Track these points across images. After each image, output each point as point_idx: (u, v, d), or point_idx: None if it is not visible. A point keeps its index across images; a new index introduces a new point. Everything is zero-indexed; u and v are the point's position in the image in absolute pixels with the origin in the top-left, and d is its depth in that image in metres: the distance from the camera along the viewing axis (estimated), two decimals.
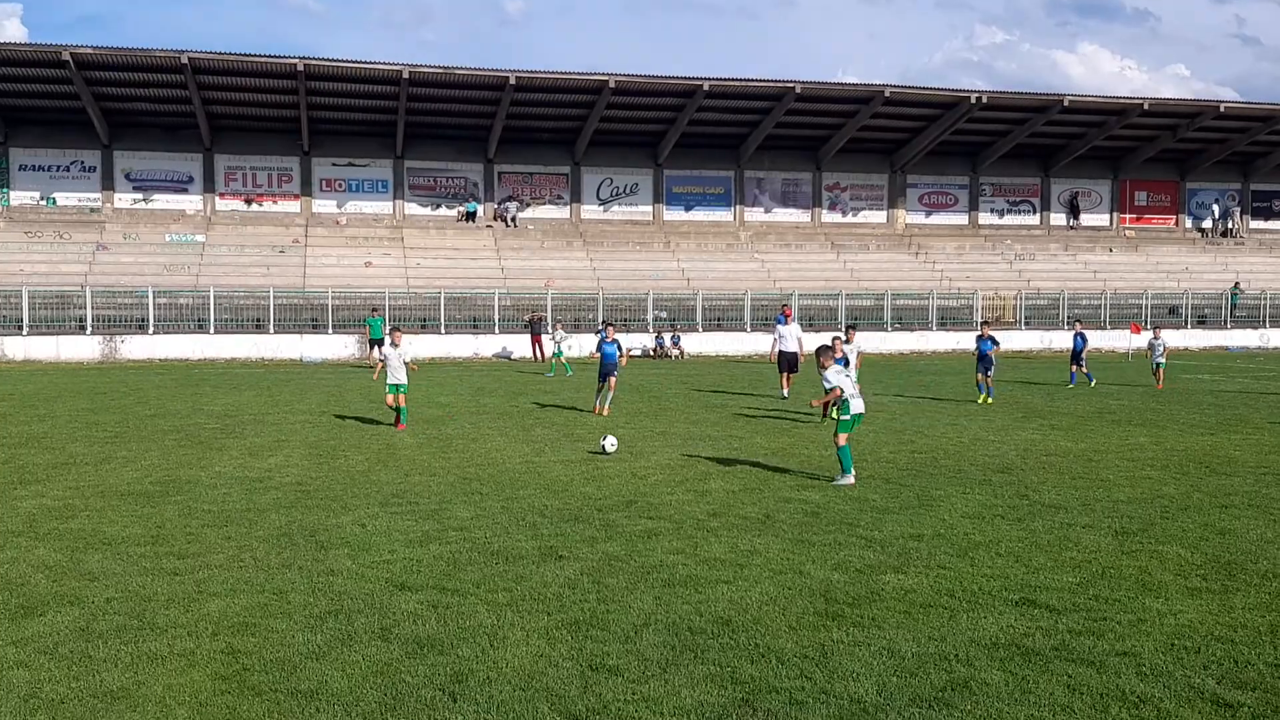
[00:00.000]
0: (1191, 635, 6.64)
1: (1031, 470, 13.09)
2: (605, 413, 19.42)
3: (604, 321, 20.21)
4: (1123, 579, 7.95)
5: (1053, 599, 7.43)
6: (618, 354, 20.06)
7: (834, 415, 12.59)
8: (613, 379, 19.89)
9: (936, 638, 6.60)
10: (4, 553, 8.87)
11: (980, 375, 22.63)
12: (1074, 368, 27.24)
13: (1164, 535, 9.42)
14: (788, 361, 23.05)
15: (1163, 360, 26.70)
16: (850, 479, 12.03)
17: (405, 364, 17.77)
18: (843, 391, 12.18)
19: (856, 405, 12.31)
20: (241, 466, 13.57)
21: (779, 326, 24.18)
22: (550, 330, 35.41)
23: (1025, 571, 8.18)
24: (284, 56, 42.98)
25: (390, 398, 17.70)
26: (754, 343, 42.79)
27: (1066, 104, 50.39)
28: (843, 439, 12.16)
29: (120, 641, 6.58)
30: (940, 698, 5.65)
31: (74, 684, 5.89)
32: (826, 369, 12.42)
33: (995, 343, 23.35)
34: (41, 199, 47.46)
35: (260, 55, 43.10)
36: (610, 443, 14.57)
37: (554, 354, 32.50)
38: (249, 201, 49.54)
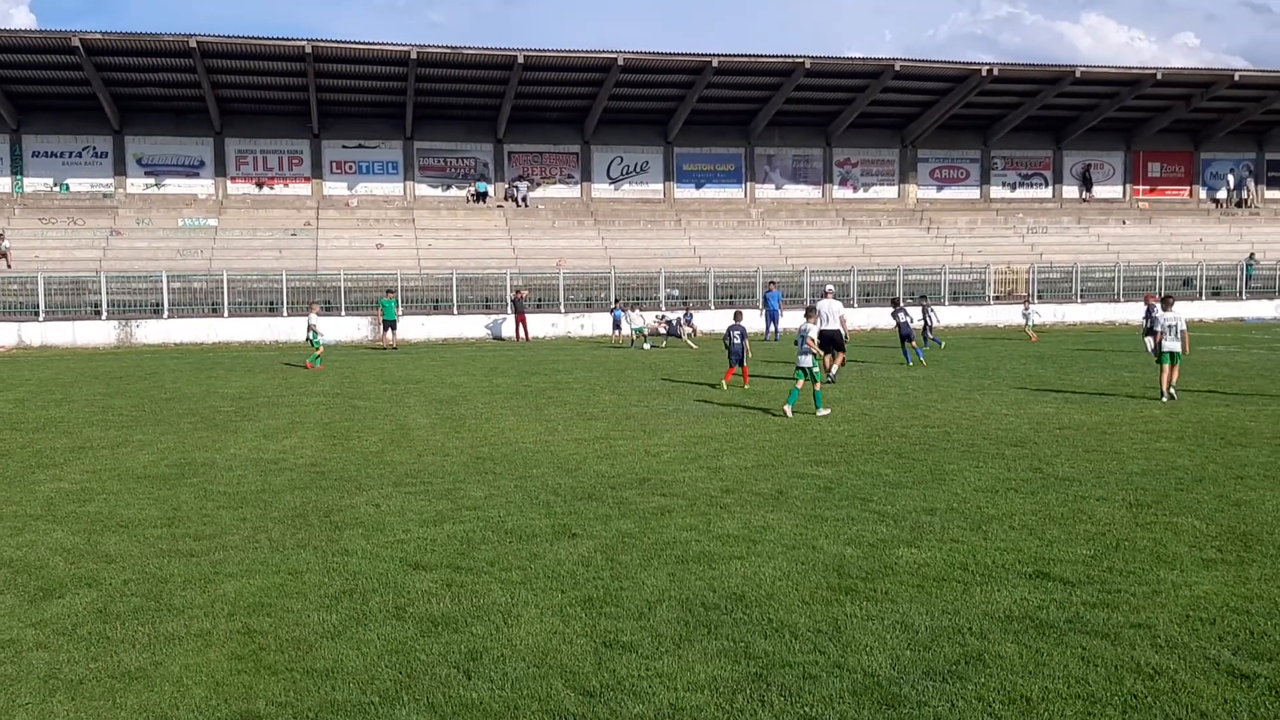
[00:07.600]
0: (1207, 607, 6.62)
1: (1045, 443, 13.05)
2: None
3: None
4: (1137, 551, 7.93)
5: (1066, 571, 7.42)
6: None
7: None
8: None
9: (950, 611, 6.60)
10: (23, 535, 8.95)
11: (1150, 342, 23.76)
12: (912, 344, 25.54)
13: (1178, 507, 9.38)
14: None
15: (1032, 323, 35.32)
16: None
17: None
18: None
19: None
20: (256, 449, 13.64)
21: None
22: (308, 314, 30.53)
23: (1039, 544, 8.17)
24: (292, 39, 42.85)
25: None
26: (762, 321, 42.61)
27: (1079, 75, 49.93)
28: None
29: (138, 623, 6.64)
30: (954, 671, 5.65)
31: (92, 664, 5.94)
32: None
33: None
34: (55, 185, 47.58)
35: (268, 38, 42.97)
36: None
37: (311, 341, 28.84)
38: (260, 185, 49.56)
